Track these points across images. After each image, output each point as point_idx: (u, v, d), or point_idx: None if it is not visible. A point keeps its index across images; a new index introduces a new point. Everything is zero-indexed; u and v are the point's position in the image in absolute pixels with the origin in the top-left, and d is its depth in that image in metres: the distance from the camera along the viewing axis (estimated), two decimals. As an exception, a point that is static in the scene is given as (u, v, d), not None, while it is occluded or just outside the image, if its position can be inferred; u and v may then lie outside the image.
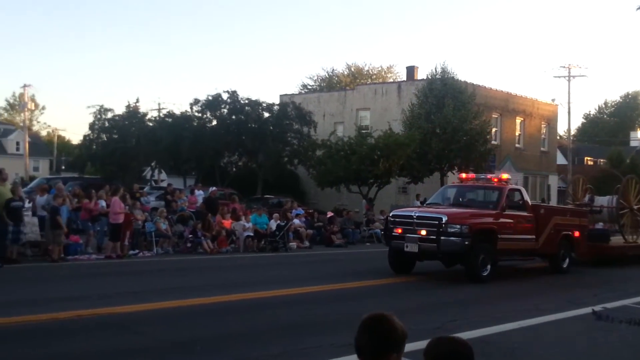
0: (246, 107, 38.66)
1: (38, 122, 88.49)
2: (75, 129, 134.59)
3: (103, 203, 19.55)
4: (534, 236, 16.74)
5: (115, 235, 18.38)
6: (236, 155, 40.90)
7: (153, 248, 20.12)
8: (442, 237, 14.68)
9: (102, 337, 8.62)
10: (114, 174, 38.33)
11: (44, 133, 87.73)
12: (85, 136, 42.05)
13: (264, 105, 39.63)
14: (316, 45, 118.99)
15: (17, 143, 66.79)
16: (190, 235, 21.28)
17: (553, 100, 52.14)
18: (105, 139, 40.64)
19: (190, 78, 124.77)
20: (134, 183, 29.06)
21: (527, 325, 10.37)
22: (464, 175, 18.76)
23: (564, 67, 52.51)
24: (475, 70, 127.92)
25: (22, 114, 63.51)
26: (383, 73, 68.74)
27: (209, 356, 7.99)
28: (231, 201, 26.34)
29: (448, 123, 33.86)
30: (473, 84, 40.22)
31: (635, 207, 22.49)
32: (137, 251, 19.46)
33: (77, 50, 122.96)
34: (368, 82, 59.19)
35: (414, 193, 35.36)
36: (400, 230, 15.53)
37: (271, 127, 38.22)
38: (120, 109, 44.06)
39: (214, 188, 26.28)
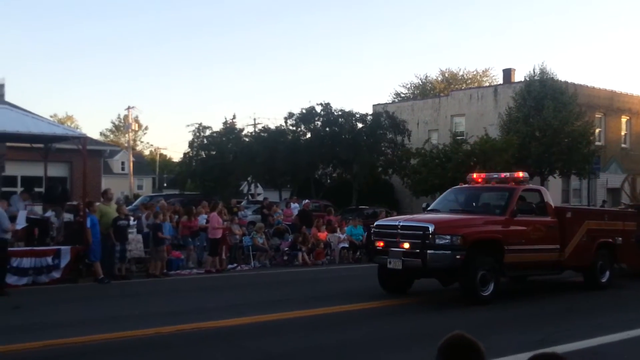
0: (340, 119, 38.82)
1: (141, 142, 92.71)
2: (176, 147, 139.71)
3: (203, 219, 20.05)
4: (557, 246, 14.05)
5: (214, 250, 18.81)
6: (330, 167, 41.13)
7: (250, 262, 20.44)
8: (428, 251, 12.24)
9: (207, 352, 8.75)
10: (213, 190, 39.41)
11: (147, 152, 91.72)
12: (185, 154, 43.60)
13: (358, 115, 39.68)
14: (409, 53, 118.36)
15: (122, 163, 69.92)
16: (287, 249, 21.50)
17: (661, 96, 49.41)
18: (204, 156, 41.91)
19: (284, 91, 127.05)
20: (231, 198, 29.73)
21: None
22: (474, 175, 15.78)
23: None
24: (577, 69, 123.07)
25: (126, 135, 66.58)
26: (478, 77, 67.37)
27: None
28: (327, 213, 26.43)
29: (548, 126, 32.70)
30: (574, 83, 38.78)
31: None
32: (235, 265, 19.81)
33: (176, 71, 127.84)
34: (463, 88, 58.17)
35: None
36: (382, 244, 13.29)
37: (365, 138, 38.19)
38: (218, 126, 45.41)
39: (307, 201, 26.47)
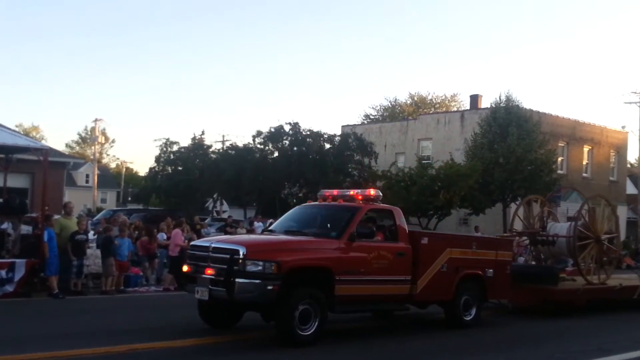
0: (308, 139, 38.95)
1: (107, 154, 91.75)
2: (143, 161, 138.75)
3: (163, 236, 19.84)
4: (408, 277, 11.97)
5: (174, 267, 18.56)
6: (297, 187, 41.19)
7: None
8: (237, 279, 10.19)
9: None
10: (178, 206, 39.11)
11: (113, 165, 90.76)
12: (151, 168, 43.28)
13: (326, 136, 39.89)
14: (379, 75, 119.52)
15: (87, 175, 69.00)
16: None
17: (623, 127, 50.74)
18: (170, 171, 41.66)
19: (254, 109, 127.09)
20: (196, 214, 29.52)
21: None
22: (326, 192, 13.33)
23: (635, 92, 50.96)
24: (541, 97, 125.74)
25: (92, 147, 65.76)
26: (447, 102, 68.34)
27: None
28: (290, 233, 26.38)
29: (512, 153, 33.24)
30: (539, 112, 39.56)
31: (604, 236, 17.07)
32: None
33: (146, 85, 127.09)
34: (431, 112, 58.89)
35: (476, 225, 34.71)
36: (189, 268, 11.32)
37: (332, 158, 38.34)
38: (186, 142, 45.29)
39: (271, 220, 26.40)
